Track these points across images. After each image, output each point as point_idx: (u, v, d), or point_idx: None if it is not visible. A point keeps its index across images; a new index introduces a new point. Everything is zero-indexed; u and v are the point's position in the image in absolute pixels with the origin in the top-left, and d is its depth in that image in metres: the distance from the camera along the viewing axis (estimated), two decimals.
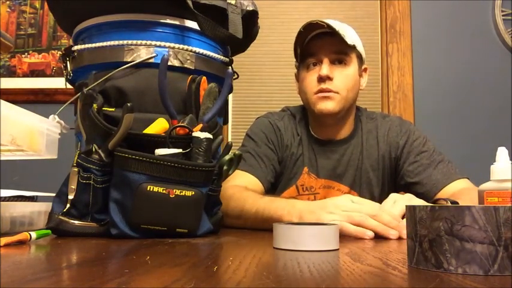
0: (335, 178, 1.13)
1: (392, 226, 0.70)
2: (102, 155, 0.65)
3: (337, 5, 2.09)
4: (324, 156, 1.14)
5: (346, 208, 0.73)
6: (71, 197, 0.66)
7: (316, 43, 1.09)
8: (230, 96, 1.80)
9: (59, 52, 1.92)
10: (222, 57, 0.83)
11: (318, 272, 0.37)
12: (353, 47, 1.09)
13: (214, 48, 0.82)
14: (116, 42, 0.74)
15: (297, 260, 0.43)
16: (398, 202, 0.76)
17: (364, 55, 1.15)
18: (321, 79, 1.07)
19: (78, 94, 0.72)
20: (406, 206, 0.40)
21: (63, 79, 0.83)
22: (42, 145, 0.70)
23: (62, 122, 0.75)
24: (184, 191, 0.64)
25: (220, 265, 0.40)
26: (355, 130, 1.17)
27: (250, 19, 0.87)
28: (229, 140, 1.99)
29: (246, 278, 0.34)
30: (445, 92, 1.96)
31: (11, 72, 2.04)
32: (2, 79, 2.02)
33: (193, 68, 0.77)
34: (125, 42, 0.74)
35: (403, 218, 0.72)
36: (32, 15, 2.08)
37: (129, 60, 0.73)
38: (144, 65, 0.74)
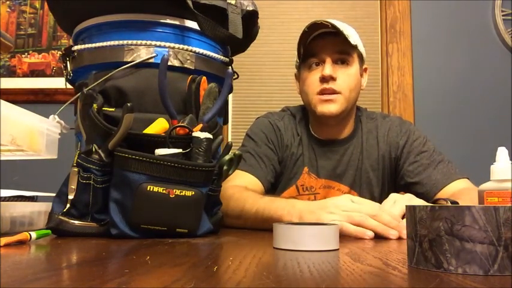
0: (335, 178, 1.13)
1: (392, 226, 0.70)
2: (102, 155, 0.65)
3: (337, 5, 2.09)
4: (324, 156, 1.14)
5: (346, 208, 0.73)
6: (71, 197, 0.66)
7: (319, 43, 1.09)
8: (230, 96, 1.80)
9: (59, 52, 1.92)
10: (222, 57, 0.83)
11: (318, 272, 0.37)
12: (355, 47, 1.09)
13: (214, 48, 0.82)
14: (116, 42, 0.74)
15: (297, 260, 0.43)
16: (399, 202, 0.76)
17: (365, 55, 1.15)
18: (324, 79, 1.07)
19: (78, 94, 0.72)
20: (406, 206, 0.40)
21: (63, 79, 0.83)
22: (42, 145, 0.70)
23: (62, 122, 0.75)
24: (184, 191, 0.64)
25: (220, 265, 0.40)
26: (355, 130, 1.17)
27: (250, 19, 0.87)
28: (229, 140, 1.99)
29: (246, 278, 0.34)
30: (445, 92, 1.96)
31: (11, 72, 2.04)
32: (2, 79, 2.02)
33: (193, 68, 0.77)
34: (125, 42, 0.74)
35: (403, 218, 0.72)
36: (32, 15, 2.08)
37: (129, 60, 0.73)
38: (144, 65, 0.74)
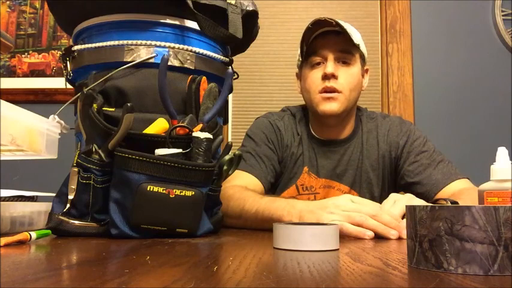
0: (335, 178, 1.13)
1: (392, 226, 0.70)
2: (102, 155, 0.65)
3: (337, 5, 2.09)
4: (324, 156, 1.14)
5: (346, 208, 0.73)
6: (71, 197, 0.66)
7: (321, 41, 1.09)
8: (230, 96, 1.80)
9: (59, 52, 1.92)
10: (222, 57, 0.83)
11: (318, 272, 0.37)
12: (357, 47, 1.09)
13: (214, 48, 0.82)
14: (116, 42, 0.74)
15: (297, 260, 0.43)
16: (399, 202, 0.76)
17: (366, 55, 1.16)
18: (326, 77, 1.07)
19: (78, 94, 0.72)
20: (406, 206, 0.40)
21: (63, 79, 0.83)
22: (42, 145, 0.70)
23: (62, 122, 0.75)
24: (184, 191, 0.64)
25: (220, 265, 0.40)
26: (355, 130, 1.17)
27: (250, 19, 0.87)
28: (229, 140, 1.99)
29: (246, 278, 0.34)
30: (445, 92, 1.96)
31: (11, 72, 2.04)
32: (2, 79, 2.02)
33: (193, 68, 0.77)
34: (125, 42, 0.74)
35: (403, 218, 0.72)
36: (32, 15, 2.08)
37: (129, 60, 0.73)
38: (144, 65, 0.74)
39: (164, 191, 0.63)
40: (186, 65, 0.76)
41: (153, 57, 0.74)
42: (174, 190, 0.64)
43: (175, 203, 0.64)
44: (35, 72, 2.04)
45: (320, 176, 1.13)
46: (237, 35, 0.80)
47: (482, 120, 1.93)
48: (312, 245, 0.52)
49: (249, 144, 1.14)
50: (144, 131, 0.68)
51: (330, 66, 1.07)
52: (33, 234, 0.57)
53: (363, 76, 1.16)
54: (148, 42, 0.74)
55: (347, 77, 1.09)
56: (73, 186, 0.66)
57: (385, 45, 2.01)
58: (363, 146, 1.15)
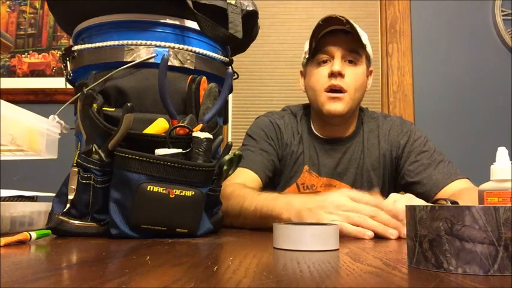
0: (336, 177, 1.14)
1: (391, 225, 0.70)
2: (102, 155, 0.65)
3: (337, 5, 2.09)
4: (326, 155, 1.14)
5: (345, 208, 0.72)
6: (71, 197, 0.66)
7: (330, 39, 1.09)
8: (230, 96, 1.80)
9: (59, 52, 1.92)
10: (222, 57, 0.83)
11: (318, 272, 0.37)
12: (364, 47, 1.09)
13: (214, 48, 0.82)
14: (116, 42, 0.74)
15: (297, 260, 0.43)
16: (399, 202, 0.76)
17: (372, 56, 1.16)
18: (333, 74, 1.07)
19: (78, 94, 0.72)
20: (406, 206, 0.40)
21: (63, 79, 0.83)
22: (42, 145, 0.70)
23: (62, 122, 0.75)
24: (184, 191, 0.64)
25: (220, 265, 0.40)
26: (357, 129, 1.17)
27: (250, 19, 0.87)
28: (229, 140, 1.99)
29: (246, 278, 0.33)
30: (445, 92, 1.96)
31: (11, 72, 2.04)
32: (2, 79, 2.02)
33: (193, 68, 0.77)
34: (125, 42, 0.74)
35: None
36: (32, 15, 2.08)
37: (129, 60, 0.73)
38: (144, 65, 0.74)
39: (164, 191, 0.63)
40: (186, 65, 0.76)
41: (153, 57, 0.74)
42: (174, 190, 0.64)
43: (175, 203, 0.64)
44: (35, 72, 2.04)
45: (321, 175, 1.13)
46: (237, 35, 0.80)
47: (482, 120, 1.93)
48: (312, 245, 0.52)
49: (249, 143, 1.14)
50: (144, 131, 0.68)
51: (337, 64, 1.07)
52: (33, 234, 0.57)
53: (367, 77, 1.16)
54: (148, 42, 0.74)
55: (353, 76, 1.09)
56: (73, 186, 0.66)
57: (385, 45, 2.01)
58: (364, 146, 1.15)
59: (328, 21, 1.06)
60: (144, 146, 0.65)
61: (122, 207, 0.64)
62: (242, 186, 0.96)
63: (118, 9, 0.75)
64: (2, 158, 0.74)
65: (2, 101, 0.59)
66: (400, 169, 1.13)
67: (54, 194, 0.68)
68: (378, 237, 0.69)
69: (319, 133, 1.16)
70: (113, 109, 0.71)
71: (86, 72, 0.76)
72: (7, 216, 0.71)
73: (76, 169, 0.66)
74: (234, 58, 0.89)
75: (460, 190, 1.01)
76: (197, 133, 0.68)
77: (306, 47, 1.15)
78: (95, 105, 0.69)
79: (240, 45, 0.89)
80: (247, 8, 0.85)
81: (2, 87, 2.00)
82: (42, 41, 2.06)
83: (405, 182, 1.11)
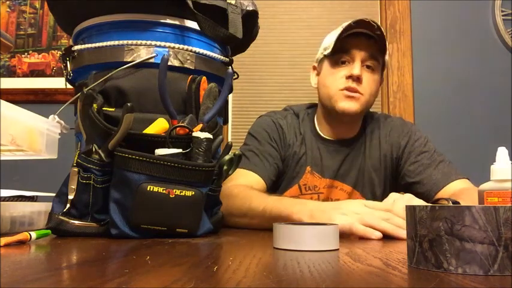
0: (339, 178, 1.14)
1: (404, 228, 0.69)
2: (102, 155, 0.65)
3: (337, 5, 2.09)
4: (329, 156, 1.14)
5: (360, 211, 0.72)
6: (71, 197, 0.66)
7: (353, 41, 1.08)
8: (230, 96, 1.80)
9: (59, 52, 1.92)
10: (222, 57, 0.83)
11: (318, 272, 0.37)
12: (384, 55, 1.10)
13: (214, 48, 0.82)
14: (116, 42, 0.74)
15: (297, 260, 0.43)
16: (398, 201, 0.76)
17: (387, 65, 1.16)
18: (351, 77, 1.07)
19: (78, 94, 0.72)
20: (406, 206, 0.40)
21: (63, 79, 0.83)
22: (42, 145, 0.70)
23: (62, 122, 0.75)
24: (184, 191, 0.64)
25: (220, 265, 0.40)
26: (360, 131, 1.18)
27: (250, 19, 0.87)
28: (229, 140, 1.99)
29: (246, 278, 0.34)
30: (445, 92, 1.96)
31: (11, 72, 2.04)
32: (2, 79, 2.02)
33: (193, 68, 0.77)
34: (125, 42, 0.74)
35: None
36: (32, 15, 2.08)
37: (129, 60, 0.73)
38: (144, 65, 0.74)
39: (164, 191, 0.63)
40: (186, 65, 0.76)
41: (153, 57, 0.74)
42: (174, 190, 0.64)
43: (175, 203, 0.64)
44: (35, 72, 2.04)
45: (325, 176, 1.13)
46: (237, 35, 0.80)
47: (482, 120, 1.93)
48: (312, 245, 0.52)
49: (252, 143, 1.14)
50: (144, 131, 0.68)
51: (358, 68, 1.06)
52: (33, 234, 0.57)
53: (380, 84, 1.16)
54: (148, 42, 0.74)
55: (370, 82, 1.09)
56: (73, 186, 0.66)
57: None
58: (366, 146, 1.15)
59: (359, 23, 1.06)
60: (144, 146, 0.65)
61: (122, 207, 0.64)
62: (248, 187, 0.96)
63: (118, 9, 0.75)
64: (2, 158, 0.74)
65: (2, 101, 0.59)
66: (401, 170, 1.13)
67: (54, 194, 0.68)
68: (378, 238, 0.69)
69: (324, 134, 1.16)
70: (113, 109, 0.71)
71: (86, 72, 0.76)
72: (7, 216, 0.71)
73: (76, 169, 0.66)
74: (234, 58, 0.89)
75: (459, 190, 1.01)
76: (197, 133, 0.68)
77: (326, 43, 1.13)
78: (95, 105, 0.69)
79: (240, 45, 0.89)
80: (247, 8, 0.85)
81: (2, 87, 2.00)
82: (42, 41, 2.06)
83: (405, 183, 1.11)
